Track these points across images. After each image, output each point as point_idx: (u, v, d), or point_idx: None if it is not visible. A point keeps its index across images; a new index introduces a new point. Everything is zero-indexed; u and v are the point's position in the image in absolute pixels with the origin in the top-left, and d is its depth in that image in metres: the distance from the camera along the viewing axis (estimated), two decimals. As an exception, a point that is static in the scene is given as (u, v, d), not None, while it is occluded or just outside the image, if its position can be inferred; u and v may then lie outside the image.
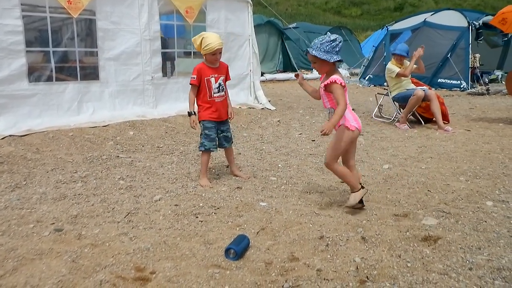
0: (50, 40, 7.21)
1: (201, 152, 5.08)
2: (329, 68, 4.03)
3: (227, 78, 5.09)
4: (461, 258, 3.20)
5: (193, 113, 4.91)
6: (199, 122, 5.00)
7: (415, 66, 8.27)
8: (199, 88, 4.91)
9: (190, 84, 4.92)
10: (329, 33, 4.05)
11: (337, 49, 3.98)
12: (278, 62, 20.56)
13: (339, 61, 4.01)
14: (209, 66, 4.92)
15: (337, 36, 4.02)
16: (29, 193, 4.61)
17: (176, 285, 2.88)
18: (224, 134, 5.11)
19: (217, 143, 5.07)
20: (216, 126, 5.02)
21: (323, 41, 3.93)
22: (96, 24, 7.73)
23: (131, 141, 6.91)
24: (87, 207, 4.24)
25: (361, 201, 4.12)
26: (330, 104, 4.12)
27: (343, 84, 3.98)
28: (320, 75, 4.30)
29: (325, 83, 4.01)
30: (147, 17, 8.26)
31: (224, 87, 5.01)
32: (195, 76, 4.84)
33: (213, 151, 5.08)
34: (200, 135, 5.05)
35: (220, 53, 4.87)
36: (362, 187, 4.14)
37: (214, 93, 4.91)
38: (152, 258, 3.25)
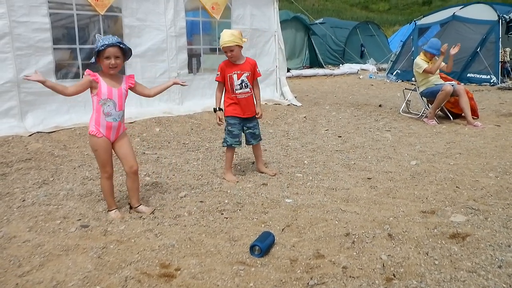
0: (77, 37, 7.28)
1: (225, 148, 5.09)
2: None
3: (255, 74, 5.04)
4: (490, 256, 3.13)
5: (218, 109, 4.93)
6: (224, 118, 5.02)
7: (443, 64, 8.15)
8: (225, 85, 4.92)
9: (216, 80, 4.96)
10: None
11: None
12: (304, 58, 20.45)
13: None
14: (232, 62, 4.92)
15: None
16: (56, 189, 4.66)
17: (201, 281, 2.88)
18: (250, 131, 5.08)
19: (240, 139, 5.05)
20: (240, 123, 5.00)
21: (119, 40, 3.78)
22: (122, 21, 7.77)
23: (157, 138, 6.94)
24: (113, 203, 4.27)
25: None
26: (123, 105, 3.92)
27: None
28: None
29: (132, 81, 3.94)
30: (173, 13, 8.28)
31: (248, 83, 4.95)
32: (219, 73, 4.90)
33: (235, 147, 5.08)
34: (224, 130, 5.06)
35: (232, 51, 4.77)
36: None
37: (236, 89, 4.90)
38: (177, 254, 3.26)
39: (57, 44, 7.14)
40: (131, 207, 4.16)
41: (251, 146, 5.25)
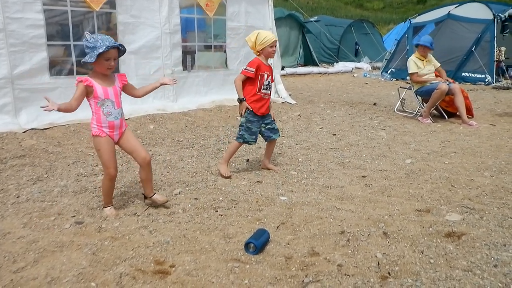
0: (71, 33, 7.24)
1: (235, 141, 5.10)
2: None
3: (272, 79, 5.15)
4: (486, 255, 3.13)
5: (243, 99, 4.90)
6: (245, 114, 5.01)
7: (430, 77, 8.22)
8: (247, 81, 4.92)
9: (244, 74, 4.88)
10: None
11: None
12: (299, 56, 20.43)
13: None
14: (264, 63, 4.94)
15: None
16: (51, 186, 4.64)
17: (196, 278, 2.87)
18: (269, 126, 5.12)
19: (257, 137, 5.10)
20: (259, 120, 5.01)
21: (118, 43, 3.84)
22: (117, 17, 7.74)
23: (151, 135, 6.92)
24: (107, 200, 4.25)
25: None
26: (120, 102, 3.94)
27: None
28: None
29: (125, 79, 4.02)
30: (167, 10, 8.25)
31: (271, 86, 5.07)
32: (254, 70, 4.83)
33: (251, 144, 5.10)
34: (240, 126, 5.05)
35: (276, 46, 4.96)
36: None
37: (263, 88, 4.94)
38: (172, 251, 3.25)
39: (51, 41, 7.10)
40: (145, 197, 4.14)
41: (269, 142, 5.27)
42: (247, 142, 5.05)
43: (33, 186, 4.61)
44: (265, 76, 4.92)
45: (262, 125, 5.09)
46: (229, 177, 4.94)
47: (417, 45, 8.42)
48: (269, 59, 5.04)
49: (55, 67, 7.24)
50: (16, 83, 6.66)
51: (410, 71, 8.25)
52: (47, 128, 6.66)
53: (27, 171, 5.09)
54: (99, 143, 3.81)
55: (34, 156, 5.62)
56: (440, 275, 2.88)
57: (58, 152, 5.81)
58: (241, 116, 5.02)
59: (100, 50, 3.61)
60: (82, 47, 7.36)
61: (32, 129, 6.56)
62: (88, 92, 3.72)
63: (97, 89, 3.72)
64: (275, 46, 4.95)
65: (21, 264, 3.03)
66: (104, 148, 3.81)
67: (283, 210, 4.04)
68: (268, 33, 4.89)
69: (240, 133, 5.05)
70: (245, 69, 4.88)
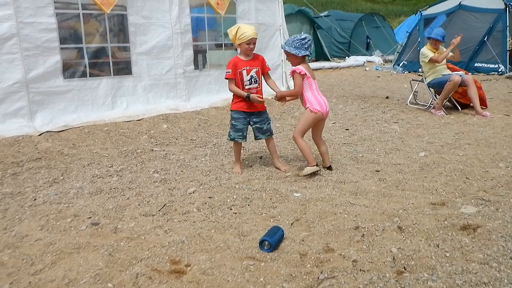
0: (83, 36, 7.30)
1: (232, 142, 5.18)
2: (298, 61, 4.82)
3: (264, 69, 5.10)
4: (502, 247, 3.12)
5: (249, 94, 4.90)
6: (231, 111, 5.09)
7: (451, 54, 8.10)
8: (235, 80, 4.94)
9: (226, 78, 4.96)
10: (302, 33, 4.79)
11: (306, 46, 4.75)
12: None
13: (306, 55, 4.82)
14: (243, 58, 4.95)
15: (307, 35, 4.82)
16: (66, 187, 4.68)
17: (211, 277, 2.89)
18: (257, 125, 5.09)
19: (244, 134, 5.09)
20: (245, 117, 5.02)
21: (294, 39, 4.72)
22: (128, 19, 7.78)
23: (164, 135, 6.96)
24: (122, 200, 4.29)
25: (312, 174, 4.84)
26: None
27: (302, 73, 4.78)
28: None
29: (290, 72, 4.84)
30: (177, 10, 8.27)
31: (257, 79, 5.01)
32: (230, 70, 4.90)
33: (237, 141, 5.10)
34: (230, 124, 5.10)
35: (254, 44, 4.89)
36: (317, 165, 4.88)
37: (245, 85, 4.94)
38: (187, 250, 3.27)
39: (64, 44, 7.16)
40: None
41: (265, 140, 5.28)
42: (234, 140, 5.09)
43: (49, 189, 4.66)
44: (244, 72, 4.90)
45: (251, 122, 5.09)
46: (239, 173, 5.04)
47: (428, 38, 8.36)
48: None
49: (68, 70, 7.29)
50: (31, 86, 6.73)
51: (428, 57, 8.11)
52: (62, 131, 6.71)
53: (43, 173, 5.14)
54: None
55: (49, 158, 5.68)
56: (456, 268, 2.87)
57: (73, 154, 5.87)
58: None
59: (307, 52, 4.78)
60: (94, 49, 7.48)
61: (47, 131, 6.61)
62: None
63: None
64: (253, 44, 4.86)
65: (39, 266, 3.08)
66: None
67: (297, 206, 4.05)
68: (248, 29, 4.80)
69: (228, 131, 5.11)
70: (226, 71, 4.96)
